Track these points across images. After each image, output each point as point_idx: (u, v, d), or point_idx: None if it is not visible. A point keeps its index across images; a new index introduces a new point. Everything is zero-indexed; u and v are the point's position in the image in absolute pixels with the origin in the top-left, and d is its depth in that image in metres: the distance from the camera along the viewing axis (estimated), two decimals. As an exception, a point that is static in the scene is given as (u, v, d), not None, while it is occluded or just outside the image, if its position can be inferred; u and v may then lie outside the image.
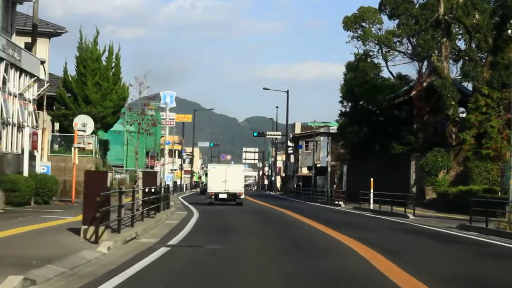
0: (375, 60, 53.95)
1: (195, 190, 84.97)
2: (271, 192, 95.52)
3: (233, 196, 39.25)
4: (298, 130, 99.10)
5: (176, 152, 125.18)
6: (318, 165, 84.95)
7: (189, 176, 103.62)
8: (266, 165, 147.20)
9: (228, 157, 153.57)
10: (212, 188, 39.91)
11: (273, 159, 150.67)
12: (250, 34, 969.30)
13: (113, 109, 39.45)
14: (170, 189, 49.46)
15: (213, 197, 39.47)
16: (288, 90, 76.57)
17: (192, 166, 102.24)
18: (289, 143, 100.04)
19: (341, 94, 56.51)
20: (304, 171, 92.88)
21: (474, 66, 41.04)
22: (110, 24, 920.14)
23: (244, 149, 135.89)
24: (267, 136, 79.26)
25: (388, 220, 28.59)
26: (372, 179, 36.99)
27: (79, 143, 30.92)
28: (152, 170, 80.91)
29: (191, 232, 19.44)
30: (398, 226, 24.55)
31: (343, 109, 55.94)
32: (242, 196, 39.77)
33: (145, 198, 22.39)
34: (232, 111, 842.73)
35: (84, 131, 30.14)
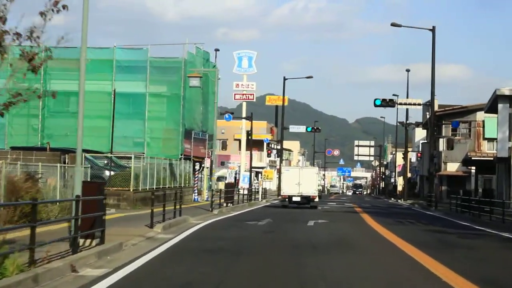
0: None
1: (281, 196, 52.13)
2: (399, 201, 63.33)
3: (306, 199, 38.69)
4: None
5: (265, 144, 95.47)
6: (473, 158, 53.74)
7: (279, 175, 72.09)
8: (384, 162, 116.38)
9: (336, 152, 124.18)
10: (285, 191, 39.47)
11: (392, 154, 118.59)
12: (361, 35, 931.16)
13: None
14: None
15: (286, 199, 39.24)
16: (434, 27, 45.13)
17: (281, 161, 71.38)
18: (421, 127, 68.33)
19: None
20: (450, 168, 61.01)
21: None
22: (222, 27, 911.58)
23: (356, 142, 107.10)
24: (398, 106, 48.16)
25: None
26: None
27: None
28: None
29: None
30: None
31: None
32: (316, 200, 39.20)
33: None
34: (342, 112, 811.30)
35: None
